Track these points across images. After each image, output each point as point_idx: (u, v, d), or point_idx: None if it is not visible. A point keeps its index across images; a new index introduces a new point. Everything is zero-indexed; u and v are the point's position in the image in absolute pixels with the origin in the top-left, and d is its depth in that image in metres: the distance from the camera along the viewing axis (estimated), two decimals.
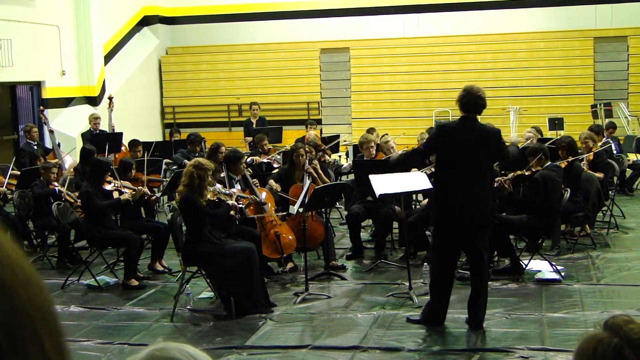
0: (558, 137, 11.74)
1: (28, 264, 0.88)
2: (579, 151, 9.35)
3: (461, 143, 5.84)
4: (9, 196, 9.38)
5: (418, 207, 9.35)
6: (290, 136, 13.48)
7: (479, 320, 6.02)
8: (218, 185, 7.52)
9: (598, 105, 17.33)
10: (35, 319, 0.85)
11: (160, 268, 8.29)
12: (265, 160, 11.08)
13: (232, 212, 7.18)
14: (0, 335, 0.81)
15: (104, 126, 13.56)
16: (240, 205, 7.58)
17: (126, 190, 8.22)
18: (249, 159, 10.79)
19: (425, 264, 7.86)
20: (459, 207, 5.83)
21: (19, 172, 9.99)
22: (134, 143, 11.38)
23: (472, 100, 5.93)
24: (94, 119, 13.14)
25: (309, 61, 20.16)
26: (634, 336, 1.39)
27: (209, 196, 6.95)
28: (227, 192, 7.49)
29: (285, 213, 8.04)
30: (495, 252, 7.93)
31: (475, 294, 6.03)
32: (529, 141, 10.48)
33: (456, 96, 6.01)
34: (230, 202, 7.13)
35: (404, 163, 6.91)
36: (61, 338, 0.89)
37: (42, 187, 8.78)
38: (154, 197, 8.82)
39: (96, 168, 7.99)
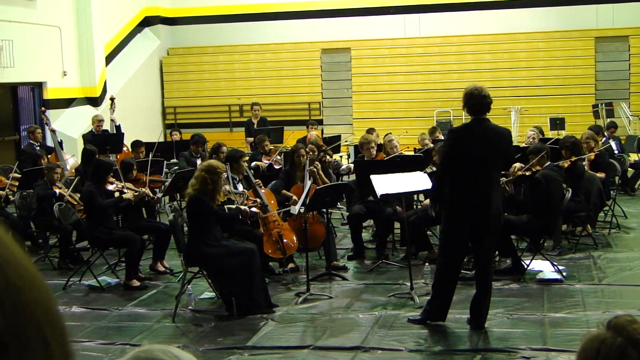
0: (560, 136, 11.74)
1: (33, 266, 0.89)
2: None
3: (475, 143, 5.83)
4: (11, 197, 9.39)
5: (419, 207, 9.34)
6: (291, 136, 13.48)
7: (482, 320, 6.01)
8: (225, 186, 7.52)
9: (599, 105, 17.32)
10: (42, 320, 0.86)
11: (161, 269, 8.30)
12: (266, 162, 11.07)
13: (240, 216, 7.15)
14: (8, 336, 0.82)
15: (106, 127, 13.55)
16: (253, 210, 7.58)
17: (127, 191, 8.22)
18: (253, 164, 10.77)
19: (427, 264, 7.85)
20: (473, 207, 5.82)
21: (19, 175, 9.99)
22: (136, 144, 11.38)
23: (478, 102, 5.90)
24: (97, 121, 13.13)
25: (310, 61, 20.17)
26: (637, 336, 1.39)
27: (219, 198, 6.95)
28: (237, 192, 7.50)
29: (287, 209, 8.03)
30: (497, 253, 7.92)
31: (480, 294, 6.02)
32: (531, 140, 10.50)
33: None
34: (242, 207, 7.11)
35: (440, 187, 6.49)
36: (66, 339, 0.89)
37: (45, 188, 8.79)
38: (155, 198, 8.82)
39: (98, 169, 7.99)
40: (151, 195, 8.52)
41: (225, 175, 7.95)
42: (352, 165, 10.43)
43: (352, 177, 10.20)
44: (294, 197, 8.17)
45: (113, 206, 7.91)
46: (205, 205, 6.60)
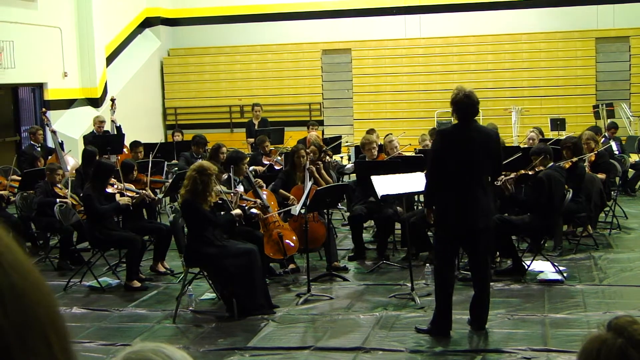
0: (560, 137, 11.74)
1: (35, 268, 0.89)
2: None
3: (462, 145, 5.82)
4: (12, 198, 9.39)
5: (420, 207, 9.34)
6: (292, 137, 13.49)
7: (482, 321, 6.00)
8: (217, 186, 7.52)
9: (600, 106, 17.31)
10: (44, 322, 0.86)
11: (162, 269, 8.30)
12: (266, 162, 11.08)
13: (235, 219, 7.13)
14: (12, 337, 0.82)
15: (107, 128, 13.55)
16: (244, 207, 7.58)
17: (128, 193, 8.22)
18: (250, 168, 10.76)
19: (428, 264, 7.85)
20: (462, 209, 5.81)
21: (19, 177, 9.96)
22: (135, 144, 11.38)
23: (466, 108, 5.84)
24: (99, 122, 13.14)
25: (310, 62, 20.17)
26: (638, 337, 1.39)
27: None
28: (230, 191, 7.49)
29: (287, 209, 8.04)
30: (498, 253, 7.93)
31: (478, 295, 6.01)
32: (531, 141, 10.50)
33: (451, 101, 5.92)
34: (235, 211, 7.09)
35: (431, 189, 6.16)
36: (68, 340, 0.90)
37: (46, 189, 8.77)
38: (156, 199, 8.82)
39: (99, 171, 7.98)
40: (152, 196, 8.52)
41: (225, 177, 7.97)
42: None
43: (353, 177, 10.22)
44: (291, 197, 8.18)
45: (111, 211, 7.88)
46: (198, 210, 6.61)
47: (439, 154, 5.91)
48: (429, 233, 8.56)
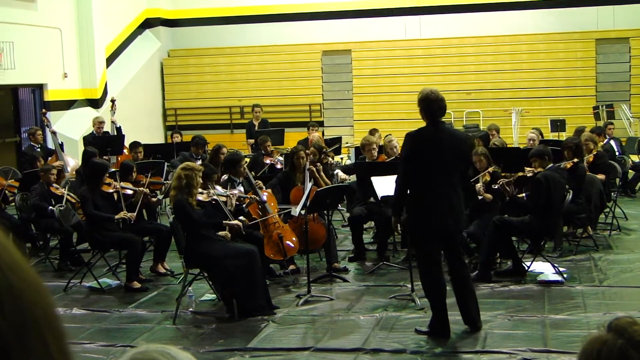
0: (562, 138, 11.73)
1: (32, 269, 0.90)
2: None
3: (432, 145, 5.79)
4: (10, 198, 9.38)
5: None
6: (292, 138, 13.49)
7: (474, 320, 5.97)
8: (218, 188, 7.52)
9: (600, 107, 17.32)
10: (41, 322, 0.87)
11: (162, 270, 8.29)
12: (267, 162, 11.09)
13: (228, 231, 7.08)
14: (11, 337, 0.82)
15: (107, 129, 13.55)
16: (242, 205, 7.58)
17: (128, 191, 8.21)
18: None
19: None
20: (437, 211, 5.79)
21: (17, 182, 9.93)
22: (134, 145, 11.38)
23: (437, 107, 5.81)
24: (98, 123, 13.14)
25: (310, 63, 20.18)
26: (638, 338, 1.39)
27: (201, 197, 6.96)
28: (226, 193, 7.48)
29: (288, 210, 8.03)
30: (498, 254, 7.93)
31: (461, 296, 5.98)
32: (531, 142, 10.50)
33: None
34: (233, 222, 7.06)
35: (402, 193, 6.07)
36: (65, 341, 0.90)
37: (42, 191, 8.75)
38: (155, 199, 8.82)
39: (92, 170, 7.99)
40: (150, 193, 8.51)
41: (226, 178, 7.96)
42: (343, 175, 10.33)
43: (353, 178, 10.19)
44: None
45: (101, 219, 7.83)
46: (187, 212, 6.63)
47: (410, 156, 5.87)
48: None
